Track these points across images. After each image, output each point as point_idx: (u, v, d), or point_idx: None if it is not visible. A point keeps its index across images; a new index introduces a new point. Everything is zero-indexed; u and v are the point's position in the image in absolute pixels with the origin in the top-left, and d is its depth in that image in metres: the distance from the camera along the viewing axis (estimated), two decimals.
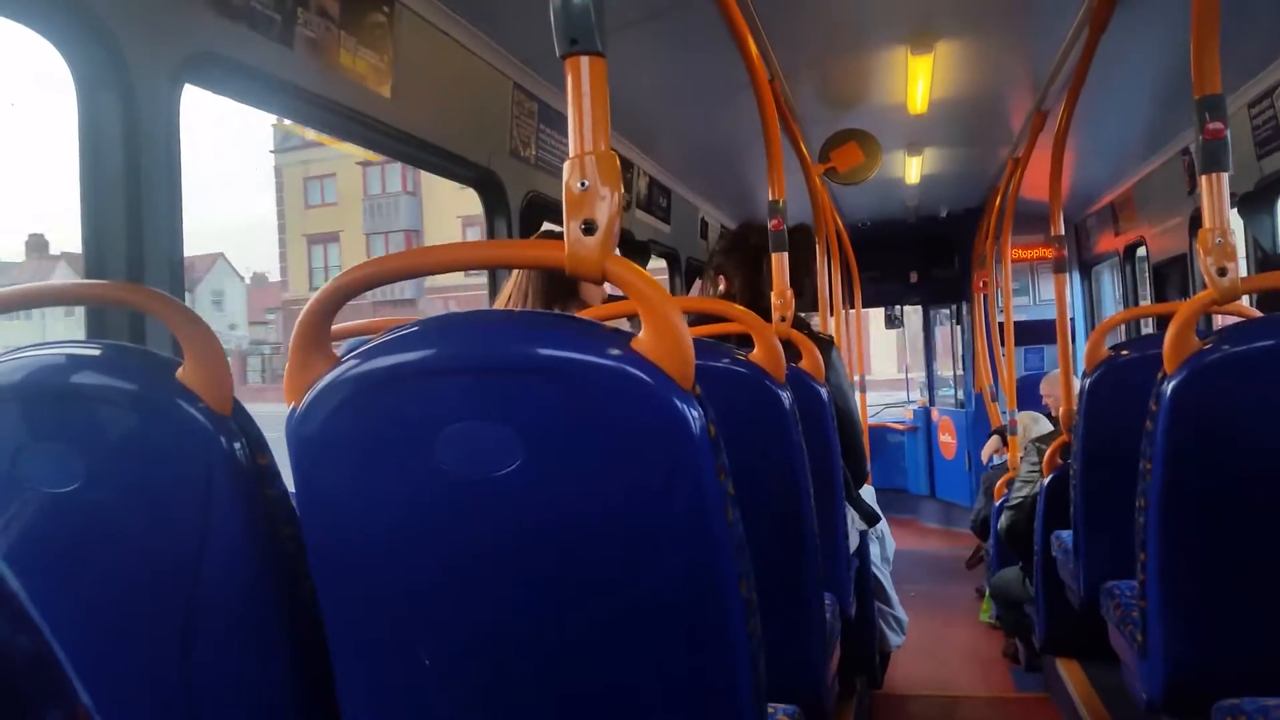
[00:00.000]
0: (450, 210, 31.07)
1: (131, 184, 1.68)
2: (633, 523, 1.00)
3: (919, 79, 3.84)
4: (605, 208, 1.01)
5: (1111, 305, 7.16)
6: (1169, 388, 1.52)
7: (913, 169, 5.73)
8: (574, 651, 1.04)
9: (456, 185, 3.33)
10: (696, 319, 2.31)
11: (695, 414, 0.98)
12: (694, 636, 1.03)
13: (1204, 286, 1.60)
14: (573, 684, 1.05)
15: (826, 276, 4.64)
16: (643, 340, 0.99)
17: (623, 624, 1.03)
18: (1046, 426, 4.70)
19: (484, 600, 1.05)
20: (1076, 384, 2.64)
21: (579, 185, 1.01)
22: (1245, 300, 2.72)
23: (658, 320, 0.99)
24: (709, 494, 0.99)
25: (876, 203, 6.92)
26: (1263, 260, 3.80)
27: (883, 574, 3.52)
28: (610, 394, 0.99)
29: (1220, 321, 2.90)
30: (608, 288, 2.39)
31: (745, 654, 1.02)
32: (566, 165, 1.02)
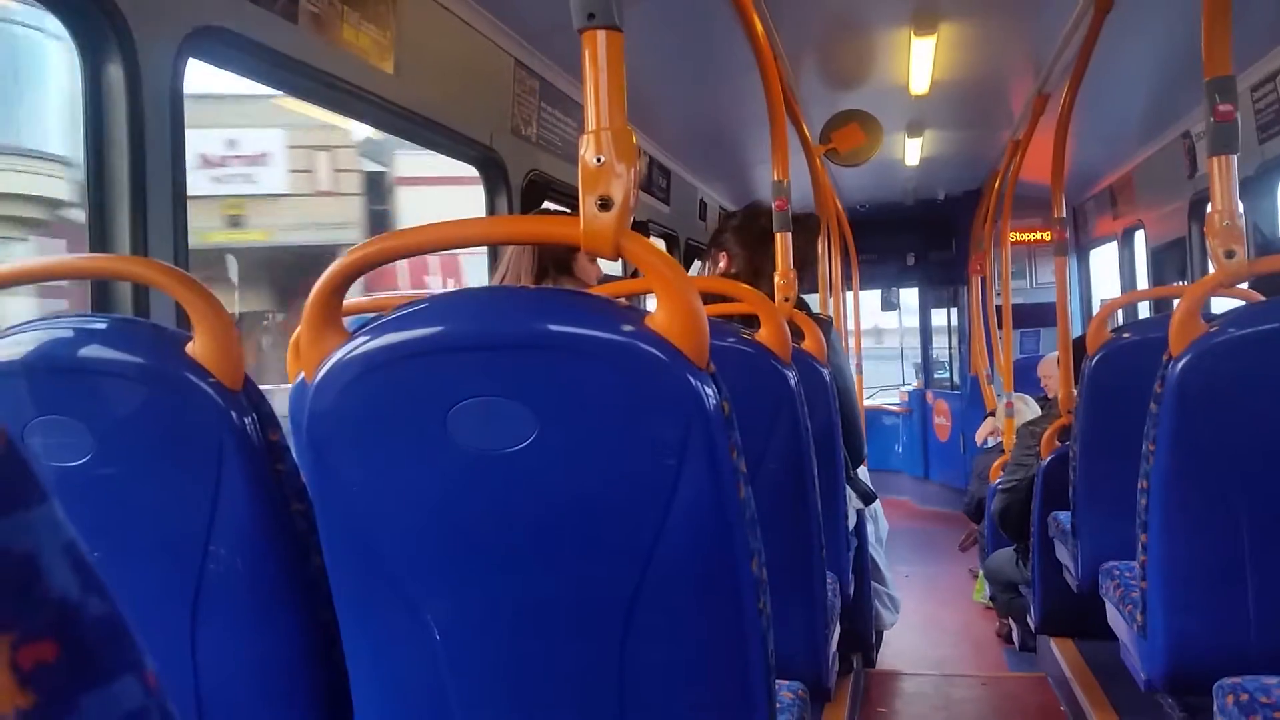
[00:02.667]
0: None
1: (136, 158, 1.67)
2: (646, 499, 1.00)
3: (921, 60, 3.83)
4: (621, 184, 1.00)
5: (1108, 288, 7.18)
6: (1175, 370, 1.53)
7: (912, 151, 5.72)
8: (585, 626, 1.04)
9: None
10: (702, 299, 2.30)
11: (710, 391, 0.98)
12: (706, 613, 1.03)
13: (1203, 272, 1.60)
14: (583, 658, 1.05)
15: (826, 259, 4.64)
16: (657, 317, 0.99)
17: (635, 599, 1.03)
18: (1035, 410, 4.71)
19: (495, 575, 1.06)
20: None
21: (595, 160, 1.01)
22: (1245, 284, 2.73)
23: (674, 298, 0.98)
24: (723, 471, 0.99)
25: (875, 185, 6.90)
26: (1263, 244, 3.81)
27: (878, 554, 3.54)
28: (625, 370, 0.98)
29: (1219, 306, 2.91)
30: (602, 266, 2.39)
31: (756, 631, 1.02)
32: (582, 140, 1.02)
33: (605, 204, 1.00)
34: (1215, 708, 1.45)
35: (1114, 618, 2.08)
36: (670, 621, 1.04)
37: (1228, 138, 1.57)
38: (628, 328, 0.99)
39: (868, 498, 2.84)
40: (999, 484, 3.77)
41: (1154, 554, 1.63)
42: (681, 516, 1.00)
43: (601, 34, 1.01)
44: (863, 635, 3.00)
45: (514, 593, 1.06)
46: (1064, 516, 2.63)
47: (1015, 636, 4.01)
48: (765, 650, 1.04)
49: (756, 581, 1.03)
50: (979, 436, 5.82)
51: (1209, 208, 1.63)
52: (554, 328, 1.00)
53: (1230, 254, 1.56)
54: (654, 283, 1.00)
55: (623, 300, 1.69)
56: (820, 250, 4.49)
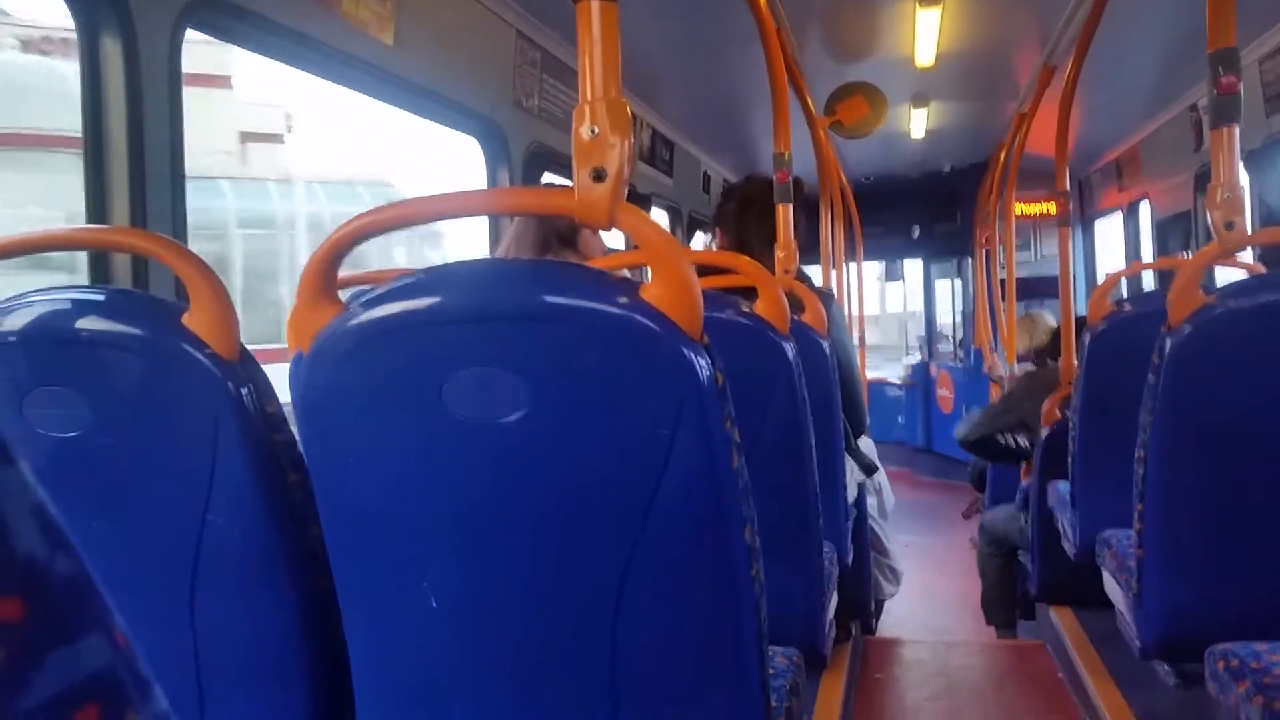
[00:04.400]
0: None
1: (134, 130, 1.67)
2: (639, 469, 1.01)
3: (926, 32, 3.80)
4: (615, 155, 1.00)
5: (1113, 261, 7.16)
6: (1172, 341, 1.53)
7: (918, 123, 5.69)
8: (579, 594, 1.06)
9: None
10: (701, 270, 2.30)
11: (703, 363, 0.98)
12: (699, 581, 1.04)
13: (1209, 243, 1.60)
14: (578, 626, 1.07)
15: (829, 231, 4.62)
16: (651, 289, 0.99)
17: (628, 567, 1.04)
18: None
19: (490, 544, 1.07)
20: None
21: (589, 132, 1.01)
22: (1251, 257, 2.73)
23: (667, 269, 0.99)
24: (715, 442, 0.99)
25: (881, 157, 6.87)
26: (1268, 216, 3.79)
27: (880, 526, 3.56)
28: (618, 342, 0.99)
29: (1223, 278, 2.90)
30: (606, 240, 2.39)
31: (749, 598, 1.03)
32: (576, 112, 1.02)
33: (599, 175, 1.00)
34: (1207, 673, 1.46)
35: (1110, 586, 2.10)
36: (663, 588, 1.05)
37: (1230, 110, 1.56)
38: (622, 299, 0.99)
39: (869, 470, 2.85)
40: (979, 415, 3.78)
41: (1150, 523, 1.64)
42: (674, 486, 1.01)
43: (595, 4, 1.01)
44: (861, 604, 3.02)
45: (509, 561, 1.07)
46: (1063, 486, 2.64)
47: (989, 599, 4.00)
48: (758, 617, 1.05)
49: (749, 550, 1.04)
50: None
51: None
52: (549, 299, 1.01)
53: (1230, 225, 1.56)
54: (648, 254, 1.00)
55: (625, 273, 1.70)
56: (822, 222, 4.48)
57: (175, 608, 1.20)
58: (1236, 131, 1.56)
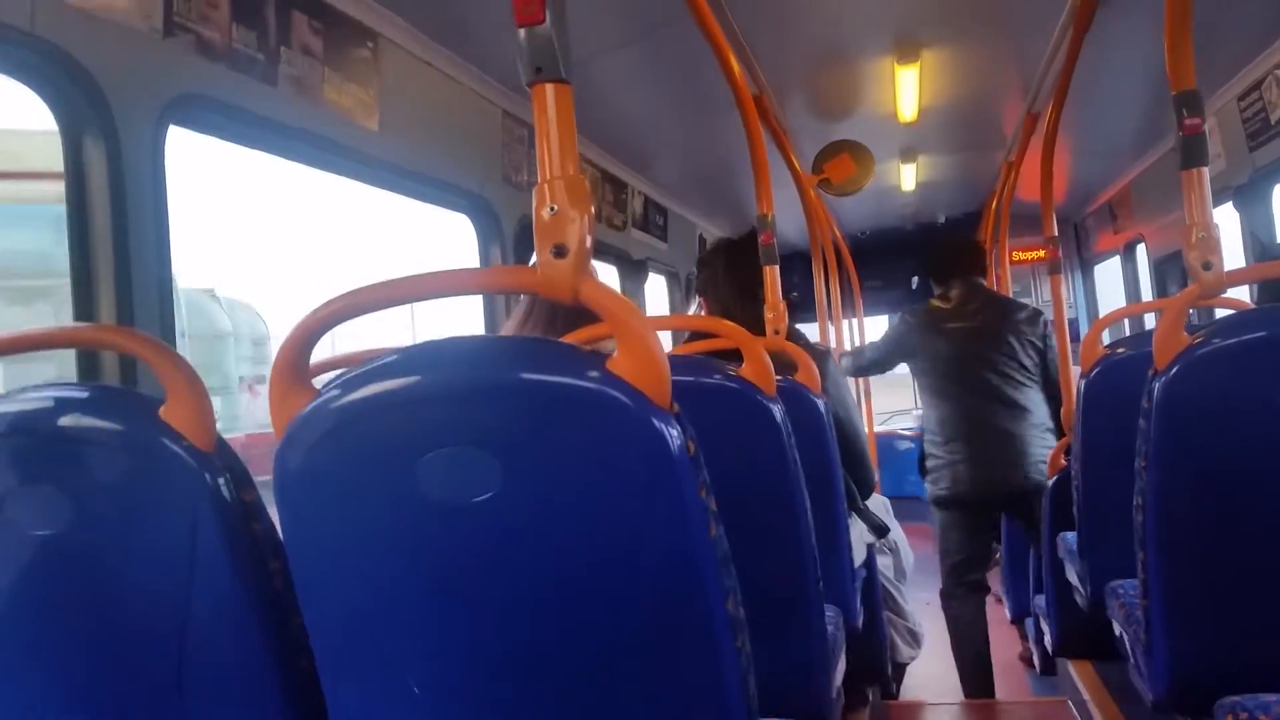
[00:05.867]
0: None
1: (119, 227, 1.70)
2: (615, 543, 1.00)
3: (906, 88, 3.85)
4: (575, 230, 1.01)
5: (1115, 303, 7.16)
6: (1159, 384, 1.52)
7: (908, 177, 5.74)
8: (560, 672, 1.04)
9: None
10: (694, 337, 2.31)
11: (673, 432, 0.98)
12: (681, 654, 1.02)
13: (1189, 285, 1.60)
14: (560, 704, 1.05)
15: (824, 287, 4.64)
16: (620, 361, 0.99)
17: (610, 643, 1.02)
18: None
19: (470, 626, 1.05)
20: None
21: (549, 210, 1.02)
22: (1246, 295, 2.72)
23: (632, 340, 0.99)
24: (690, 512, 0.98)
25: (874, 212, 6.93)
26: (1261, 252, 3.79)
27: (895, 587, 3.50)
28: (587, 415, 0.99)
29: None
30: None
31: (734, 671, 1.01)
32: (535, 191, 1.03)
33: (560, 251, 1.01)
34: None
35: (1120, 637, 2.06)
36: (647, 664, 1.03)
37: (1198, 150, 1.58)
38: (591, 373, 0.99)
39: (880, 531, 2.80)
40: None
41: (1153, 572, 1.61)
42: (652, 559, 1.00)
43: (550, 87, 1.03)
44: (878, 668, 2.96)
45: (488, 642, 1.05)
46: (1071, 537, 2.60)
47: (1036, 660, 3.96)
48: (745, 690, 1.03)
49: (733, 620, 1.02)
50: None
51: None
52: (519, 375, 1.01)
53: (1208, 265, 1.55)
54: (613, 326, 1.01)
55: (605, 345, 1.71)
56: (816, 279, 4.50)
57: (163, 702, 1.19)
58: (1206, 173, 1.57)
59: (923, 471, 3.85)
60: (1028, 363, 3.61)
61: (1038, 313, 3.73)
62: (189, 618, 1.15)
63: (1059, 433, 3.60)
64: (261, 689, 1.18)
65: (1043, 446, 3.52)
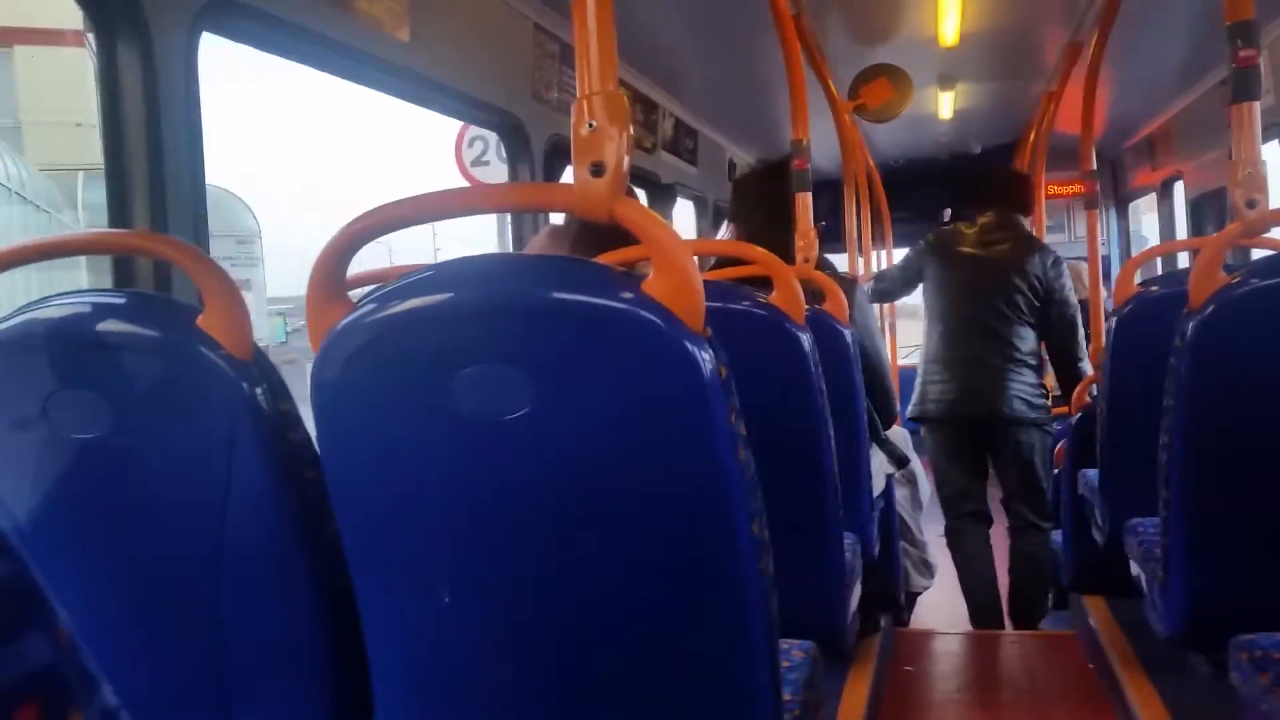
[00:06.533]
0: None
1: (153, 134, 1.69)
2: (644, 463, 1.01)
3: (949, 11, 3.75)
4: (613, 149, 1.00)
5: (1152, 240, 7.05)
6: (1193, 324, 1.50)
7: (945, 104, 5.62)
8: (587, 588, 1.06)
9: None
10: (722, 262, 2.30)
11: (706, 356, 0.98)
12: (706, 574, 1.04)
13: (1231, 222, 1.57)
14: (586, 619, 1.07)
15: (855, 217, 4.58)
16: (653, 282, 0.99)
17: (636, 561, 1.04)
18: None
19: (499, 540, 1.07)
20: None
21: (587, 127, 1.01)
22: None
23: (667, 262, 0.99)
24: (720, 435, 0.99)
25: (908, 140, 6.80)
26: None
27: (911, 518, 3.53)
28: (621, 336, 0.99)
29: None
30: None
31: (756, 591, 1.03)
32: (574, 107, 1.02)
33: (598, 169, 1.00)
34: (1230, 664, 1.44)
35: (1137, 574, 2.07)
36: (671, 583, 1.05)
37: (1249, 83, 1.53)
38: (625, 294, 0.99)
39: (901, 461, 2.82)
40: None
41: (1174, 511, 1.62)
42: (680, 480, 1.01)
43: None
44: (891, 596, 3.00)
45: (519, 556, 1.08)
46: (1093, 474, 2.61)
47: (1050, 595, 4.00)
48: (767, 610, 1.05)
49: (757, 543, 1.03)
50: None
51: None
52: (553, 294, 1.01)
53: (1253, 204, 1.52)
54: (649, 248, 1.00)
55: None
56: (846, 209, 4.45)
57: (196, 607, 1.23)
58: (1257, 106, 1.53)
59: None
60: (1023, 303, 3.60)
61: (1058, 258, 3.71)
62: (225, 524, 1.18)
63: (1040, 372, 3.68)
64: (295, 595, 1.22)
65: (1020, 382, 3.56)
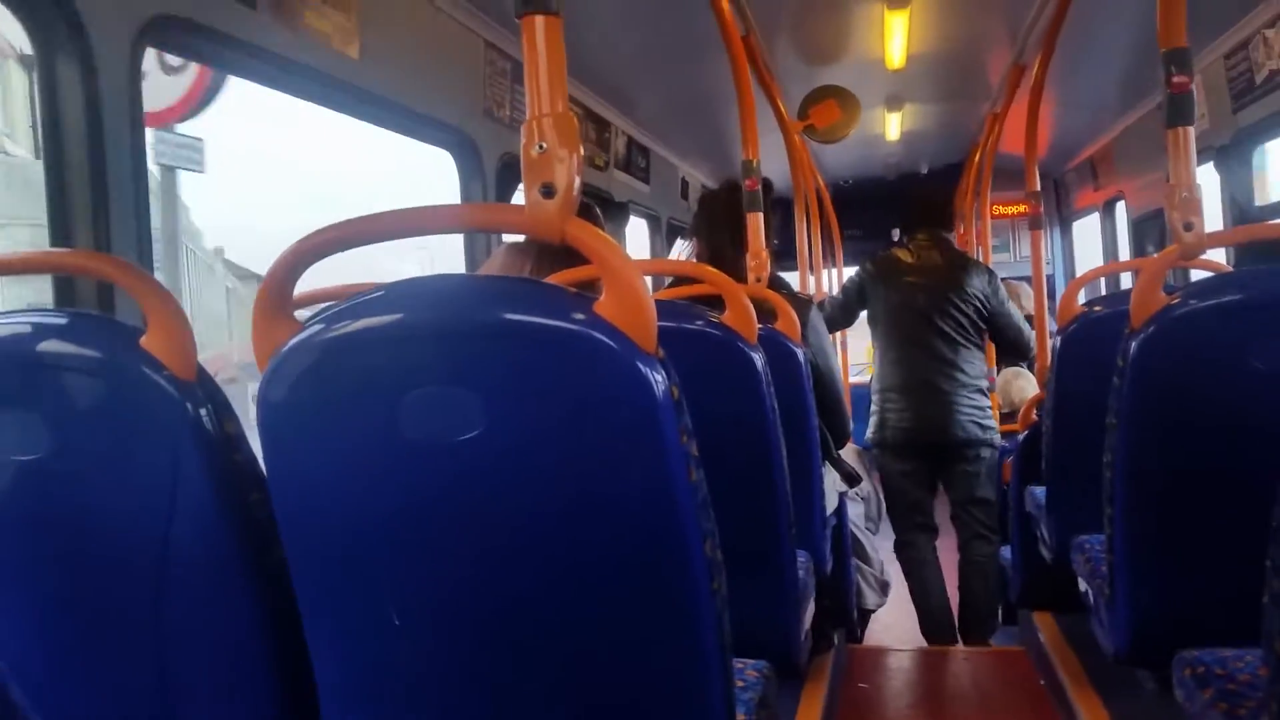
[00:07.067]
0: None
1: (95, 151, 1.66)
2: (596, 485, 1.01)
3: (895, 34, 3.82)
4: (564, 170, 1.00)
5: (1093, 260, 7.20)
6: (1135, 343, 1.53)
7: (893, 125, 5.71)
8: (538, 609, 1.05)
9: None
10: (678, 281, 2.31)
11: (658, 376, 0.98)
12: (659, 595, 1.04)
13: (1170, 245, 1.61)
14: (537, 640, 1.06)
15: (805, 235, 4.63)
16: (605, 303, 0.99)
17: (588, 582, 1.04)
18: (1031, 382, 4.69)
19: (448, 562, 1.06)
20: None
21: (537, 148, 1.01)
22: (1222, 257, 2.74)
23: (618, 283, 0.99)
24: (671, 456, 0.99)
25: (858, 160, 6.90)
26: (1239, 215, 3.81)
27: (864, 535, 3.56)
28: (572, 357, 0.99)
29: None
30: None
31: (709, 611, 1.03)
32: (524, 128, 1.02)
33: (548, 191, 1.00)
34: (1174, 680, 1.46)
35: (1084, 590, 2.10)
36: (624, 604, 1.04)
37: (1184, 109, 1.57)
38: (576, 315, 0.99)
39: (852, 479, 2.84)
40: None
41: (1119, 528, 1.64)
42: (632, 502, 1.01)
43: (540, 19, 1.01)
44: (844, 613, 3.02)
45: (468, 578, 1.06)
46: (1040, 491, 2.65)
47: (998, 611, 4.05)
48: (720, 630, 1.05)
49: (710, 563, 1.03)
50: None
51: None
52: (504, 315, 1.00)
53: (1189, 226, 1.56)
54: (600, 269, 1.00)
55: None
56: (798, 227, 4.49)
57: (139, 630, 1.20)
58: (1191, 132, 1.57)
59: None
60: (967, 324, 3.80)
61: (992, 273, 3.92)
62: (168, 547, 1.15)
63: (986, 394, 3.90)
64: (240, 618, 1.19)
65: (970, 405, 3.76)
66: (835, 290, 6.86)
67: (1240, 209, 3.76)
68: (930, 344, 3.78)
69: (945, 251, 3.89)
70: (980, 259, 5.36)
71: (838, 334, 6.05)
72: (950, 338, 3.78)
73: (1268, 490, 1.04)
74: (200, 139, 5.15)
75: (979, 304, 3.80)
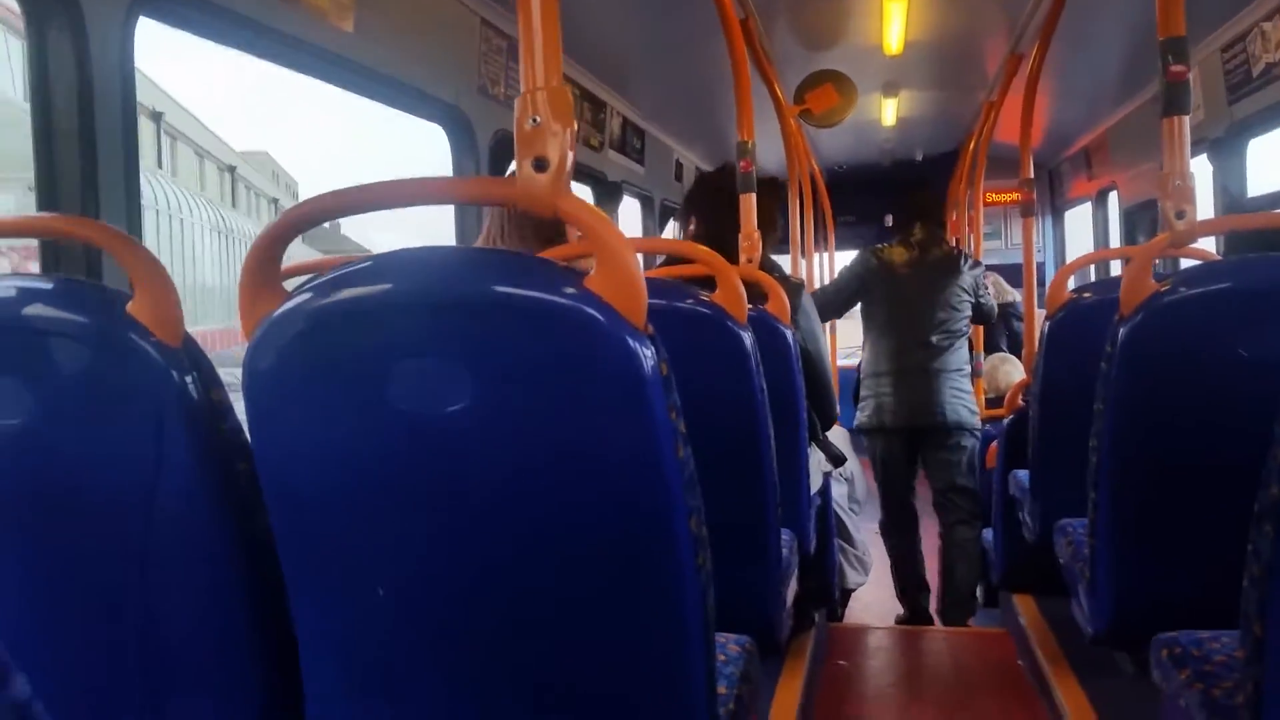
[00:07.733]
0: None
1: (85, 119, 1.65)
2: (583, 459, 1.01)
3: (894, 19, 3.81)
4: (557, 144, 1.00)
5: (1084, 249, 7.22)
6: (1124, 330, 1.54)
7: (889, 112, 5.70)
8: (523, 582, 1.06)
9: None
10: (669, 261, 2.31)
11: (647, 352, 0.98)
12: (644, 569, 1.04)
13: (1161, 232, 1.61)
14: (522, 613, 1.07)
15: (799, 220, 4.63)
16: (595, 278, 0.99)
17: (573, 556, 1.04)
18: (1018, 368, 4.74)
19: (435, 534, 1.06)
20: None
21: (530, 122, 1.01)
22: (1211, 246, 2.75)
23: (610, 258, 0.99)
24: (660, 432, 0.99)
25: (852, 146, 6.89)
26: (1231, 205, 3.83)
27: (848, 515, 3.58)
28: (562, 331, 0.99)
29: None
30: None
31: (694, 586, 1.04)
32: (518, 101, 1.01)
33: (541, 165, 1.00)
34: (1151, 661, 1.48)
35: (1066, 573, 2.12)
36: (609, 578, 1.05)
37: (1180, 98, 1.58)
38: (567, 289, 0.99)
39: (837, 460, 2.86)
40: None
41: (1102, 513, 1.66)
42: (619, 477, 1.01)
43: None
44: (826, 592, 3.05)
45: (453, 550, 1.07)
46: (1024, 475, 2.67)
47: (979, 592, 4.09)
48: (704, 606, 1.06)
49: (695, 539, 1.04)
50: None
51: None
52: (494, 288, 1.00)
53: (1181, 214, 1.57)
54: (592, 244, 1.00)
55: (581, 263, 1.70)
56: (792, 211, 4.49)
57: (124, 596, 1.20)
58: (1186, 121, 1.57)
59: (855, 400, 4.25)
60: (958, 315, 4.03)
61: (980, 266, 4.20)
62: (153, 515, 1.15)
63: (972, 380, 4.17)
64: (225, 589, 1.19)
65: (955, 390, 3.97)
66: (826, 277, 6.90)
67: (1233, 202, 3.77)
68: (923, 334, 3.97)
69: (940, 246, 4.09)
70: (972, 246, 5.38)
71: (827, 321, 6.07)
72: (942, 328, 3.97)
73: (1250, 477, 1.05)
74: None
75: (969, 297, 4.03)
